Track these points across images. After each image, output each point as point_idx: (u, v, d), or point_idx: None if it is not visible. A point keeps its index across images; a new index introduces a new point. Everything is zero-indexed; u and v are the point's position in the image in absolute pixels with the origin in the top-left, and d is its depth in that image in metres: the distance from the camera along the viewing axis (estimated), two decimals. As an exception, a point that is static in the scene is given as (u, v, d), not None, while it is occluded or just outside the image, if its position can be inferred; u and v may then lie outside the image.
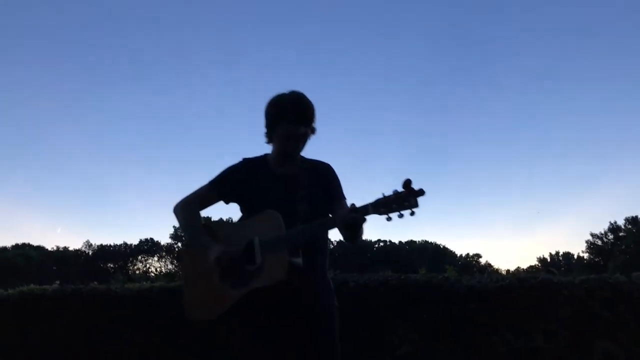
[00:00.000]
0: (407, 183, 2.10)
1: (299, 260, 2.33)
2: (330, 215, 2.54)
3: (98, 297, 5.33)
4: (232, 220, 2.77)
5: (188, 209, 2.64)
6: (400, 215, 2.12)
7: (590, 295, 4.25)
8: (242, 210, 2.67)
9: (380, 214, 2.15)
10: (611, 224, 69.24)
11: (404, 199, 2.10)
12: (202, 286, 2.53)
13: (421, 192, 2.10)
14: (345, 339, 2.61)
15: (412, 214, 2.12)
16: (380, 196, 2.15)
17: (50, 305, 5.42)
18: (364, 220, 2.23)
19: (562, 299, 4.27)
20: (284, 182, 2.55)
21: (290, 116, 2.45)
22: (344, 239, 2.38)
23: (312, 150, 2.60)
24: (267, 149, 2.63)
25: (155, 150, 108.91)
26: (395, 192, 2.12)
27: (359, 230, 2.29)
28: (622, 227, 65.86)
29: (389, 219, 2.14)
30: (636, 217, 62.18)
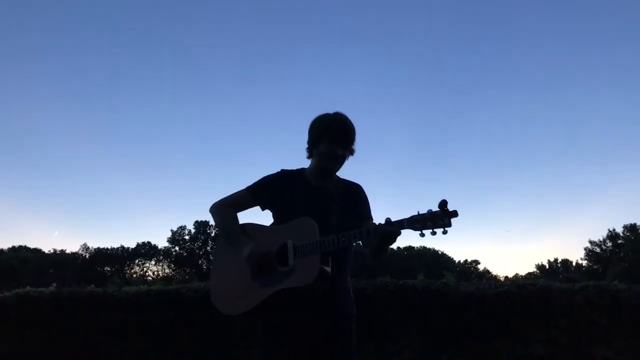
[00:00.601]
0: (443, 204, 2.21)
1: (329, 268, 2.43)
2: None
3: (95, 300, 5.31)
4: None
5: (224, 210, 2.75)
6: (434, 233, 2.24)
7: (589, 302, 4.24)
8: (275, 217, 2.76)
9: (414, 229, 2.26)
10: (610, 231, 69.30)
11: (439, 219, 2.22)
12: (232, 281, 2.61)
13: (455, 214, 2.21)
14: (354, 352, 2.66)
15: (445, 232, 2.24)
16: (416, 213, 2.26)
17: (47, 308, 5.40)
18: (399, 233, 2.33)
19: (561, 306, 4.26)
20: (319, 195, 2.66)
21: (333, 136, 2.57)
22: (371, 252, 2.51)
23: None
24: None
25: (154, 154, 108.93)
26: (430, 212, 2.23)
27: (391, 244, 2.39)
28: (621, 234, 65.87)
29: (422, 234, 2.25)
30: (635, 224, 62.19)
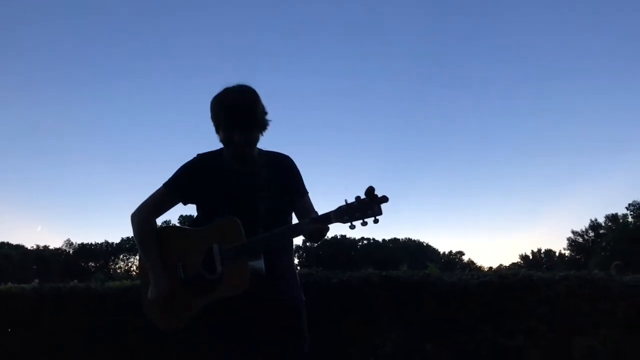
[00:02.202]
0: (370, 190, 2.02)
1: (261, 265, 2.28)
2: (297, 219, 2.52)
3: (78, 295, 5.26)
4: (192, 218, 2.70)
5: (141, 221, 2.52)
6: (364, 223, 2.05)
7: (571, 291, 4.28)
8: (198, 211, 2.57)
9: (343, 222, 2.08)
10: (592, 221, 70.14)
11: (368, 207, 2.03)
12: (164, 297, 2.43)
13: (384, 199, 2.03)
14: (327, 336, 2.61)
15: (376, 221, 2.04)
16: (343, 204, 2.07)
17: (29, 305, 5.35)
18: (328, 229, 2.21)
19: (543, 296, 4.30)
20: (243, 182, 2.44)
21: (227, 122, 2.33)
22: (305, 240, 2.35)
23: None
24: None
25: (137, 148, 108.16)
26: (358, 200, 2.05)
27: (321, 238, 2.28)
28: (603, 224, 66.66)
29: (352, 227, 2.07)
30: (616, 214, 62.94)
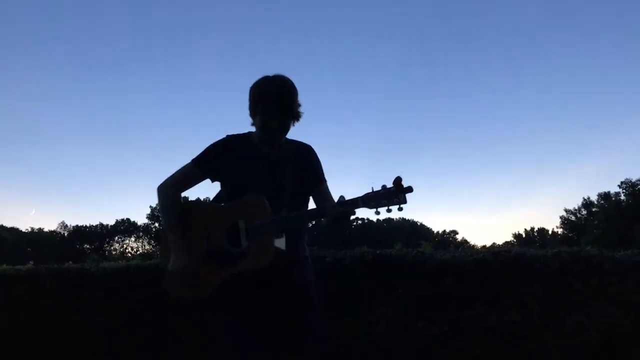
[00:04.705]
0: (398, 180, 2.16)
1: (282, 243, 2.39)
2: (315, 204, 2.65)
3: (72, 276, 5.27)
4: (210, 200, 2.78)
5: (169, 192, 2.62)
6: (389, 210, 2.19)
7: (563, 268, 4.31)
8: (223, 188, 2.67)
9: (369, 207, 2.22)
10: (584, 199, 70.73)
11: (394, 195, 2.18)
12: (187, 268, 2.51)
13: (410, 189, 2.17)
14: (321, 314, 2.65)
15: (400, 209, 2.19)
16: (370, 190, 2.21)
17: (24, 286, 5.36)
18: (354, 213, 2.30)
19: (535, 272, 4.33)
20: (269, 165, 2.55)
21: (266, 108, 2.43)
22: (326, 226, 2.45)
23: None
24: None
25: (132, 130, 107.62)
26: (385, 188, 2.19)
27: (346, 222, 2.36)
28: (595, 202, 67.09)
29: (377, 212, 2.21)
30: (608, 192, 63.26)
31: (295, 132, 2.60)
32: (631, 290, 4.23)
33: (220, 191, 2.71)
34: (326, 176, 2.70)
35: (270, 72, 2.52)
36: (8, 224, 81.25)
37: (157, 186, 2.64)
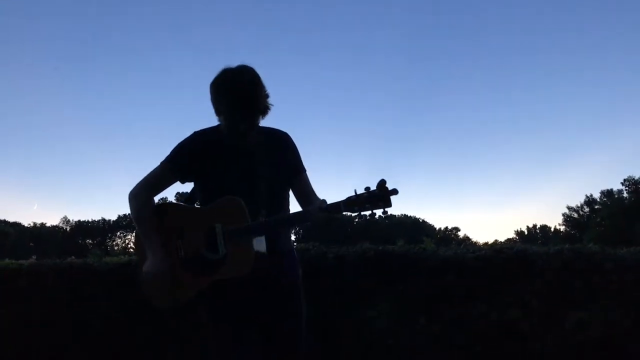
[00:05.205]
0: (382, 183, 2.06)
1: (263, 246, 2.29)
2: (295, 196, 2.55)
3: (75, 271, 5.28)
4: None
5: (142, 198, 2.50)
6: (372, 215, 2.10)
7: (565, 265, 4.31)
8: (197, 186, 2.56)
9: (352, 212, 2.11)
10: (587, 196, 70.34)
11: (378, 199, 2.07)
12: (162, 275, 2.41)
13: (394, 192, 2.06)
14: (321, 311, 2.62)
15: (385, 213, 2.08)
16: (353, 194, 2.09)
17: (26, 281, 5.36)
18: (336, 218, 2.22)
19: (537, 270, 4.33)
20: (242, 157, 2.43)
21: (228, 108, 2.30)
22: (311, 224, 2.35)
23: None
24: None
25: (134, 123, 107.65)
26: (369, 191, 2.08)
27: (328, 224, 2.27)
28: (598, 199, 66.89)
29: (360, 217, 2.12)
30: (611, 190, 63.14)
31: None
32: (633, 287, 4.23)
33: (192, 190, 2.59)
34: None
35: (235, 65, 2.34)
36: (11, 218, 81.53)
37: (127, 192, 2.52)
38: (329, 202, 2.22)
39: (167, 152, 2.51)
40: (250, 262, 2.23)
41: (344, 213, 2.14)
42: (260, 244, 2.28)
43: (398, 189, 2.06)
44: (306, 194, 2.54)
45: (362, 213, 2.10)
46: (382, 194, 2.06)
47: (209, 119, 2.45)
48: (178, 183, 2.55)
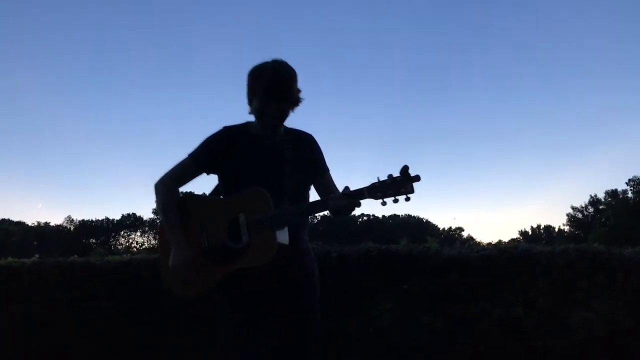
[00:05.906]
0: (405, 169, 2.11)
1: (285, 237, 2.32)
2: (318, 195, 2.56)
3: (77, 269, 5.28)
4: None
5: (168, 189, 2.55)
6: (396, 200, 2.12)
7: (569, 265, 4.29)
8: (222, 181, 2.60)
9: (375, 198, 2.14)
10: (591, 197, 70.14)
11: (401, 185, 2.10)
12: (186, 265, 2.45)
13: (417, 178, 2.10)
14: (326, 310, 2.62)
15: (408, 199, 2.11)
16: (376, 180, 2.13)
17: (29, 279, 5.37)
18: (359, 204, 2.23)
19: (541, 269, 4.31)
20: (269, 156, 2.48)
21: (263, 92, 2.35)
22: (332, 214, 2.36)
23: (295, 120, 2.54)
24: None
25: (138, 124, 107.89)
26: (391, 177, 2.11)
27: (351, 213, 2.31)
28: (602, 200, 66.65)
29: (384, 203, 2.13)
30: (616, 190, 62.86)
31: (305, 124, 2.55)
32: (638, 287, 4.21)
33: (218, 184, 2.64)
34: (333, 169, 2.63)
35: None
36: (15, 217, 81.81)
37: (154, 183, 2.57)
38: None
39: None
40: (272, 252, 2.26)
41: (368, 199, 2.17)
42: (283, 235, 2.31)
43: (420, 176, 2.10)
44: (329, 191, 2.57)
45: (385, 200, 2.12)
46: (405, 180, 2.10)
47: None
48: (204, 175, 2.59)
